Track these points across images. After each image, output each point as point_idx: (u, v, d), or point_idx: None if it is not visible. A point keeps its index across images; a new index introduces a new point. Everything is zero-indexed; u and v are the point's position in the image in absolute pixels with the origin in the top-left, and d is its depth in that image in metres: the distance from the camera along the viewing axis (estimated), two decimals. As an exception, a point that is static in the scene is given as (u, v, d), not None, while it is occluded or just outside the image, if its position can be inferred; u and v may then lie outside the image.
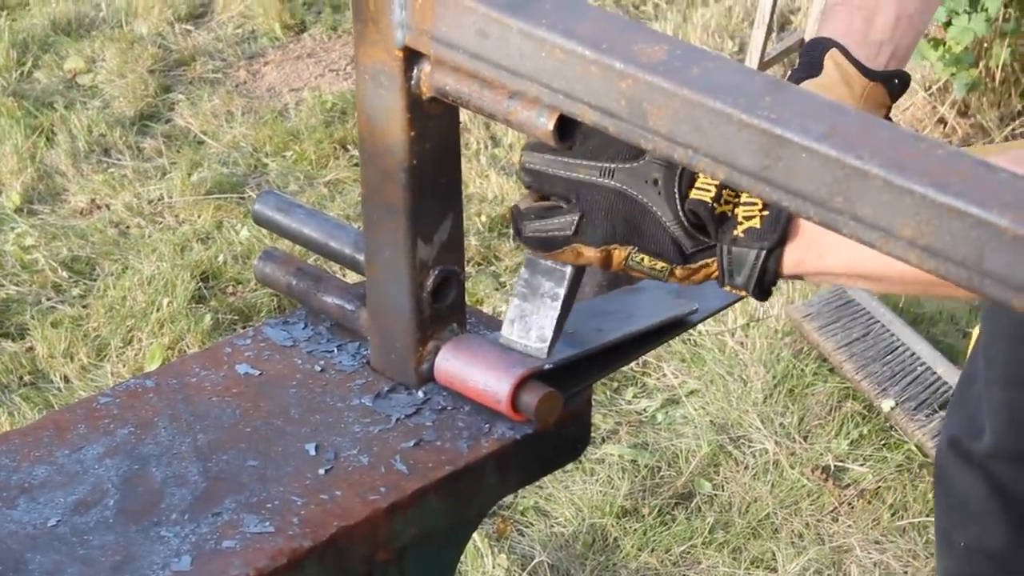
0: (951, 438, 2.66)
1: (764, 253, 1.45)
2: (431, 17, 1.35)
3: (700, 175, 1.47)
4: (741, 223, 1.46)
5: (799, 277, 1.49)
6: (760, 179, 1.17)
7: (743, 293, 1.49)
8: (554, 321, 1.55)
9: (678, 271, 1.50)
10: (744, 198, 1.46)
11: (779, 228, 1.45)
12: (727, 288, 1.50)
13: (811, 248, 1.45)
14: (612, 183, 1.48)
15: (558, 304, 1.55)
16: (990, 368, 2.54)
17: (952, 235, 1.06)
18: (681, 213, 1.47)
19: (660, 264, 1.50)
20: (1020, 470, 2.59)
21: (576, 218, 1.49)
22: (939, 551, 2.80)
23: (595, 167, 1.49)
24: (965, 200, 1.05)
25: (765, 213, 1.45)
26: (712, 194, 1.46)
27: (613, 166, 1.48)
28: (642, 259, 1.50)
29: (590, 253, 1.50)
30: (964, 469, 2.64)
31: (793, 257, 1.46)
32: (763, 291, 1.49)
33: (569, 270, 1.55)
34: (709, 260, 1.49)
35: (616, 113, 1.25)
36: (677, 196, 1.47)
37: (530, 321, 1.56)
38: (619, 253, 1.50)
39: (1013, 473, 2.59)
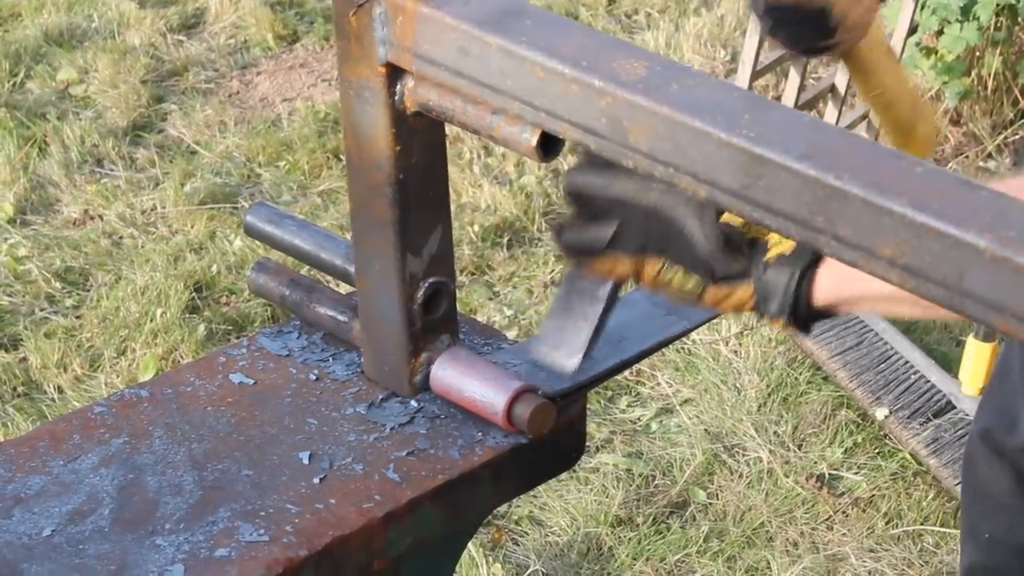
0: (982, 429, 2.65)
1: (797, 276, 1.44)
2: (412, 34, 1.35)
3: None
4: (772, 248, 1.46)
5: (835, 308, 1.47)
6: (742, 198, 1.17)
7: (779, 323, 1.48)
8: (586, 340, 1.55)
9: (710, 291, 1.50)
10: None
11: (810, 251, 1.44)
12: (765, 320, 1.49)
13: (845, 270, 1.44)
14: (649, 200, 1.48)
15: (591, 324, 1.55)
16: None
17: (932, 255, 1.06)
18: (713, 234, 1.47)
19: (692, 282, 1.50)
20: None
21: (613, 228, 1.49)
22: (963, 542, 2.78)
23: (634, 185, 1.49)
24: (944, 220, 1.04)
25: None
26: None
27: (651, 184, 1.48)
28: (674, 274, 1.50)
29: (624, 263, 1.51)
30: (993, 461, 2.63)
31: (828, 282, 1.45)
32: (799, 319, 1.47)
33: (605, 293, 1.55)
34: (743, 285, 1.48)
35: (597, 131, 1.25)
36: (710, 217, 1.46)
37: (561, 337, 1.56)
38: (652, 265, 1.50)
39: None
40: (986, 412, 2.68)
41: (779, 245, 1.45)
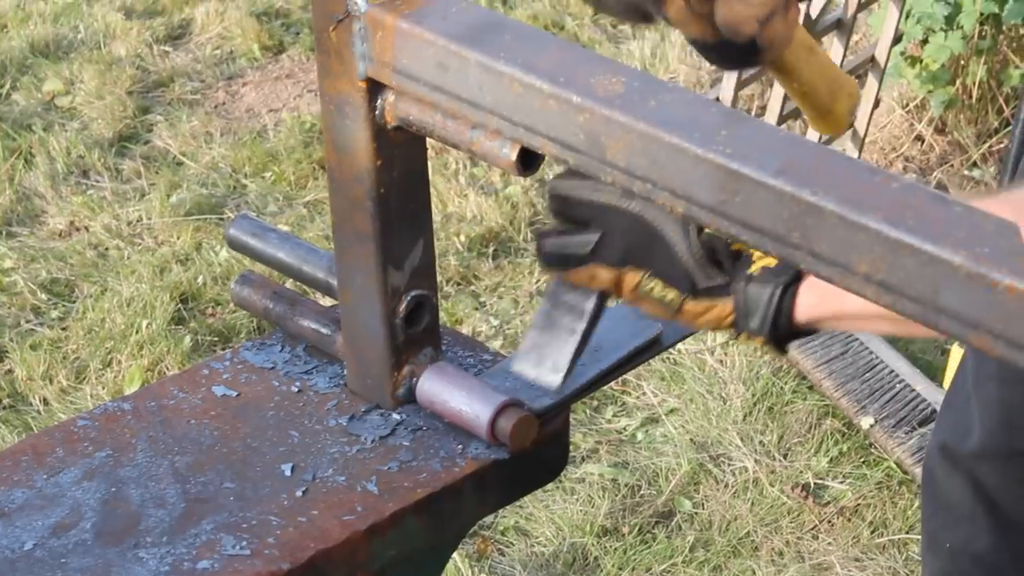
0: (940, 443, 2.67)
1: (779, 291, 1.42)
2: (391, 49, 1.35)
3: None
4: (756, 261, 1.44)
5: (816, 325, 1.45)
6: (719, 214, 1.17)
7: (759, 341, 1.46)
8: (571, 355, 1.55)
9: (689, 305, 1.48)
10: None
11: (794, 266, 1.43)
12: (743, 336, 1.47)
13: (828, 287, 1.43)
14: (632, 208, 1.48)
15: (576, 339, 1.54)
16: (982, 366, 2.54)
17: (907, 271, 1.06)
18: (695, 245, 1.45)
19: (671, 294, 1.48)
20: (1008, 470, 2.60)
21: (595, 238, 1.49)
22: (926, 553, 2.81)
23: (618, 191, 1.48)
24: (919, 237, 1.04)
25: None
26: None
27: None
28: (653, 286, 1.48)
29: (604, 274, 1.50)
30: (951, 472, 2.65)
31: (810, 299, 1.43)
32: (779, 337, 1.45)
33: (590, 307, 1.54)
34: (723, 300, 1.47)
35: (575, 147, 1.25)
36: (693, 228, 1.45)
37: (544, 353, 1.55)
38: (632, 277, 1.49)
39: (1000, 475, 2.60)
40: (943, 426, 2.70)
41: (764, 258, 1.44)
